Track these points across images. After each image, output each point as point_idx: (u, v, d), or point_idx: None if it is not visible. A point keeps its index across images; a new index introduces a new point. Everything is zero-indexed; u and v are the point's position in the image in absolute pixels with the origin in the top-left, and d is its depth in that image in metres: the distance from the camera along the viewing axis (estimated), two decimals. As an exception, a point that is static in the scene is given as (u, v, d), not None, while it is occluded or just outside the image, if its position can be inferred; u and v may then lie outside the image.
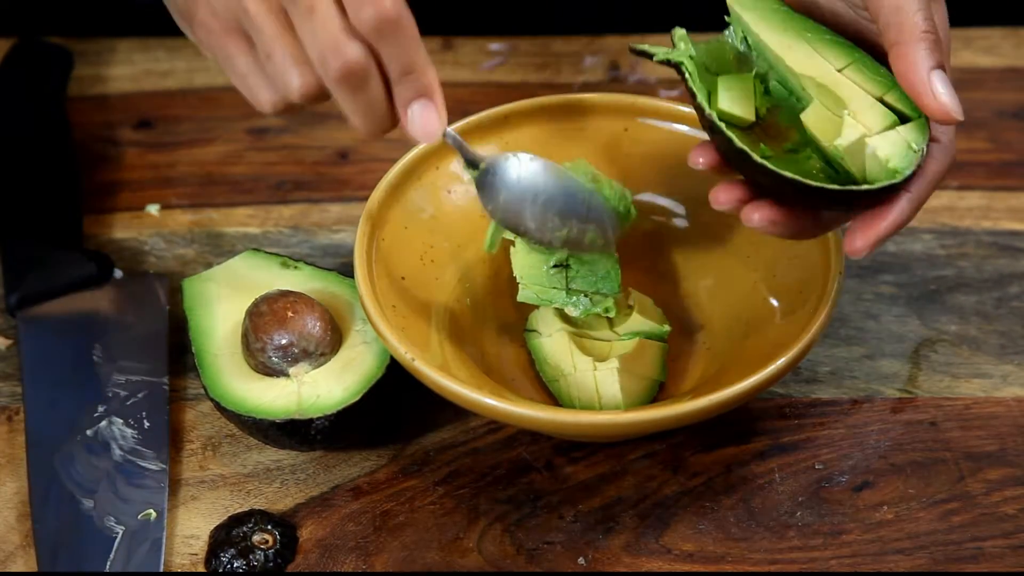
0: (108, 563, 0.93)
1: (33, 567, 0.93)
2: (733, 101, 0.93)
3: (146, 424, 0.99)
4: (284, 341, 0.97)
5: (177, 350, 1.03)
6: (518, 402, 0.93)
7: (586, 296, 1.00)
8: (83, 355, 1.02)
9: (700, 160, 0.91)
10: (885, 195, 0.88)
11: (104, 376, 1.01)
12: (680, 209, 1.05)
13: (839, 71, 0.91)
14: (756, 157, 0.88)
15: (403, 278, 1.00)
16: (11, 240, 1.08)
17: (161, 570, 0.93)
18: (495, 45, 1.25)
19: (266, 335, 0.97)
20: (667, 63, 0.93)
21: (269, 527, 0.94)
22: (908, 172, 0.87)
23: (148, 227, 1.12)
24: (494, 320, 1.03)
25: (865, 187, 0.87)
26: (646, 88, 1.21)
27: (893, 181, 0.87)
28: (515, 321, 1.03)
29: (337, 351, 0.98)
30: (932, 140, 0.89)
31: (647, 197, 1.05)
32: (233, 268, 1.03)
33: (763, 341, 0.97)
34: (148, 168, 1.16)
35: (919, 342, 1.04)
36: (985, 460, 0.98)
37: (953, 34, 1.24)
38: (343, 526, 0.95)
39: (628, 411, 0.94)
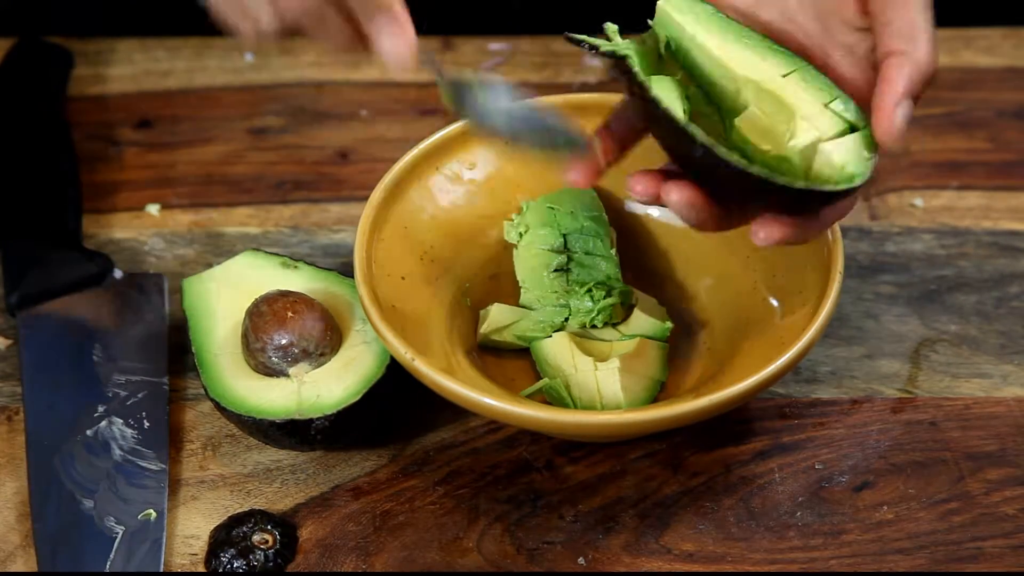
0: (108, 563, 0.93)
1: (33, 567, 0.93)
2: (669, 101, 0.91)
3: (146, 424, 0.99)
4: (284, 341, 0.97)
5: (177, 350, 1.03)
6: (518, 402, 0.93)
7: (588, 291, 1.00)
8: (83, 355, 1.02)
9: (639, 188, 0.91)
10: (840, 198, 0.88)
11: (104, 376, 1.01)
12: (680, 209, 1.05)
13: (783, 76, 0.91)
14: (723, 151, 0.87)
15: (403, 278, 1.00)
16: (11, 240, 1.08)
17: (161, 570, 0.93)
18: (495, 45, 1.25)
19: (266, 335, 0.97)
20: (611, 55, 0.92)
21: (269, 527, 0.94)
22: (864, 178, 0.87)
23: (148, 227, 1.12)
24: (494, 320, 1.03)
25: (830, 188, 0.87)
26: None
27: (852, 185, 0.87)
28: (515, 321, 1.03)
29: (337, 351, 0.98)
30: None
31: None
32: (233, 268, 1.03)
33: (763, 341, 0.97)
34: (148, 168, 1.16)
35: (919, 342, 1.04)
36: (985, 460, 0.98)
37: (953, 34, 1.24)
38: (343, 526, 0.95)
39: (628, 411, 0.94)
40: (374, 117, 1.19)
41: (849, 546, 0.94)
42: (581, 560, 0.93)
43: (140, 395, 1.01)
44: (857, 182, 0.87)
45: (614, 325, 1.02)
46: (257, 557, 0.93)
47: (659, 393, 0.99)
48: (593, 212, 1.03)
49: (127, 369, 1.02)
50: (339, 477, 0.97)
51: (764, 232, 0.88)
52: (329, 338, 0.98)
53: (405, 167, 1.02)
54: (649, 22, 0.94)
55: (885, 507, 0.96)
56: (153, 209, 1.13)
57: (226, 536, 0.94)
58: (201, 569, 0.93)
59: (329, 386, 0.96)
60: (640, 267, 1.05)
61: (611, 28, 0.94)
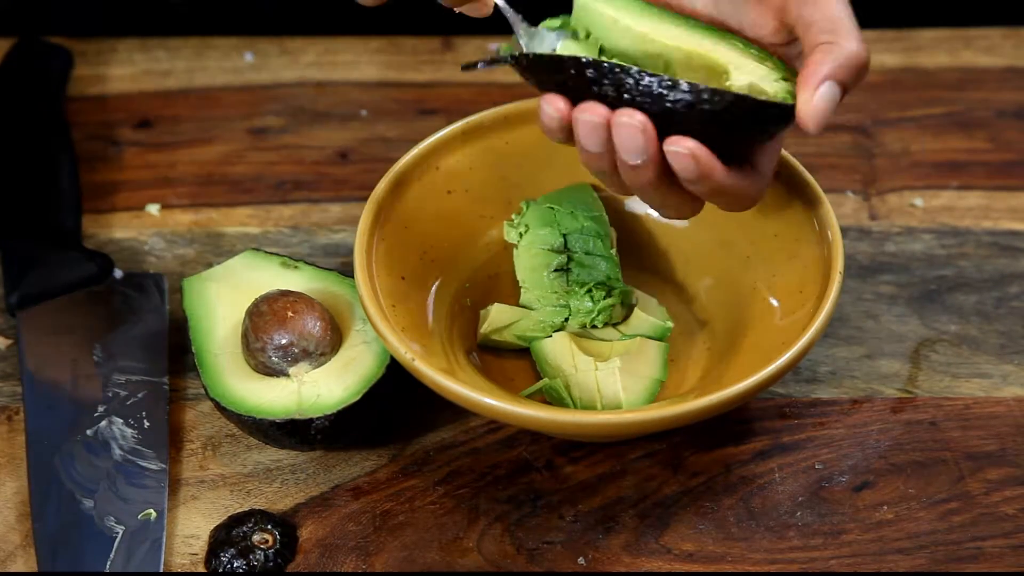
0: (108, 563, 0.93)
1: (33, 567, 0.93)
2: (569, 50, 0.91)
3: (146, 424, 0.99)
4: (284, 341, 0.97)
5: (177, 350, 1.03)
6: (518, 402, 0.93)
7: (588, 292, 1.00)
8: (83, 355, 1.02)
9: (554, 107, 0.89)
10: (773, 111, 0.87)
11: (104, 376, 1.01)
12: (680, 209, 1.05)
13: (713, 44, 0.91)
14: (644, 70, 0.86)
15: (403, 278, 1.00)
16: (11, 240, 1.08)
17: (161, 570, 0.93)
18: (495, 45, 1.25)
19: (266, 335, 0.97)
20: (503, 61, 0.92)
21: (269, 527, 0.94)
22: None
23: (148, 227, 1.12)
24: (494, 320, 1.03)
25: (777, 100, 0.87)
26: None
27: (786, 101, 0.87)
28: (515, 321, 1.03)
29: (337, 351, 0.98)
30: (755, 165, 0.90)
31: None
32: (233, 268, 1.03)
33: (763, 341, 0.97)
34: (148, 168, 1.16)
35: (919, 342, 1.04)
36: (985, 460, 0.98)
37: (953, 34, 1.24)
38: (343, 526, 0.95)
39: (628, 411, 0.94)
40: (374, 117, 1.19)
41: (849, 546, 0.94)
42: (581, 560, 0.93)
43: (140, 395, 1.01)
44: (791, 101, 0.87)
45: (614, 325, 1.02)
46: (257, 557, 0.93)
47: (659, 393, 0.99)
48: (593, 212, 1.03)
49: (127, 369, 1.02)
50: (339, 477, 0.97)
51: (684, 144, 0.86)
52: (329, 338, 0.98)
53: (405, 167, 1.02)
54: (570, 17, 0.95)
55: (885, 507, 0.96)
56: (153, 209, 1.13)
57: (226, 536, 0.94)
58: (201, 569, 0.93)
59: (329, 386, 0.96)
60: (640, 267, 1.05)
61: (503, 46, 0.95)
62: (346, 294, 1.01)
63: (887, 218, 1.11)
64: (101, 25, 1.27)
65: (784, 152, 0.99)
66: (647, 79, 0.86)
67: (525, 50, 0.94)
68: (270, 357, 0.97)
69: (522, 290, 1.02)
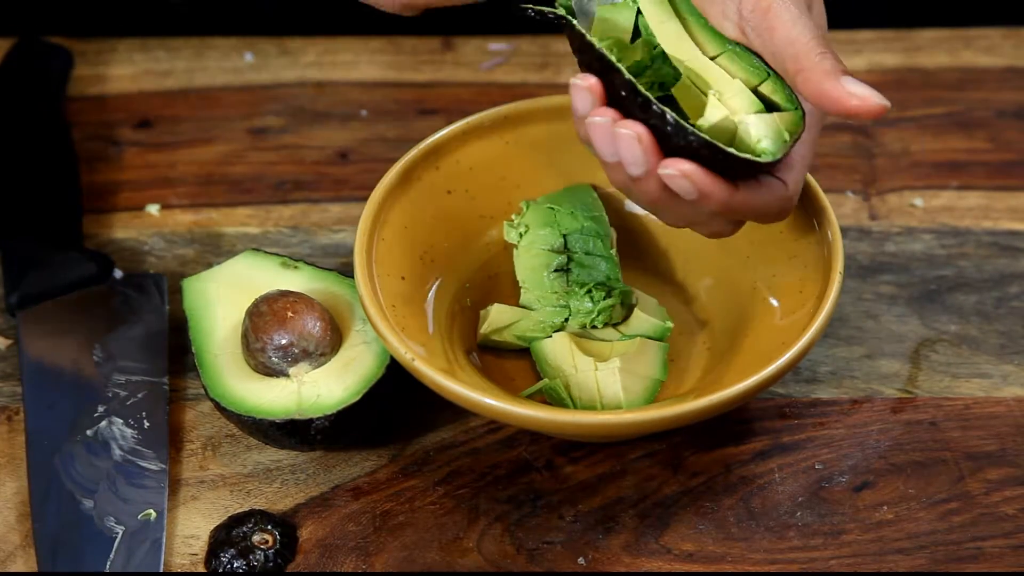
0: (108, 563, 0.93)
1: (33, 567, 0.93)
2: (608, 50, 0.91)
3: (146, 424, 0.99)
4: (284, 341, 0.97)
5: (177, 350, 1.03)
6: (518, 402, 0.93)
7: (588, 292, 1.00)
8: (83, 355, 1.02)
9: (629, 129, 0.89)
10: (742, 166, 0.88)
11: (104, 376, 1.01)
12: (680, 209, 1.05)
13: (712, 58, 0.91)
14: (641, 88, 0.88)
15: (403, 278, 1.00)
16: (11, 240, 1.08)
17: (161, 570, 0.93)
18: (495, 45, 1.25)
19: (266, 335, 0.97)
20: (554, 18, 0.93)
21: (269, 527, 0.94)
22: (774, 157, 0.87)
23: (148, 227, 1.12)
24: (494, 320, 1.03)
25: (730, 149, 0.87)
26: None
27: (756, 158, 0.87)
28: (515, 321, 1.03)
29: (337, 351, 0.98)
30: (777, 177, 0.90)
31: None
32: (233, 268, 1.03)
33: (763, 341, 0.97)
34: (148, 168, 1.16)
35: (919, 342, 1.04)
36: (985, 460, 0.98)
37: (953, 34, 1.24)
38: (343, 526, 0.95)
39: (628, 411, 0.94)
40: (374, 117, 1.19)
41: (849, 546, 0.94)
42: (581, 560, 0.93)
43: (140, 395, 1.01)
44: (764, 158, 0.87)
45: (614, 325, 1.02)
46: (257, 557, 0.93)
47: (659, 393, 0.99)
48: (593, 212, 1.03)
49: (127, 369, 1.02)
50: (339, 477, 0.97)
51: (676, 166, 0.87)
52: (329, 338, 0.98)
53: (405, 167, 1.02)
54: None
55: (885, 507, 0.96)
56: (153, 209, 1.13)
57: (226, 536, 0.94)
58: (201, 569, 0.93)
59: (329, 386, 0.96)
60: (640, 267, 1.05)
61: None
62: (346, 294, 1.01)
63: (887, 218, 1.11)
64: (101, 25, 1.27)
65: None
66: (654, 107, 0.88)
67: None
68: (270, 357, 0.97)
69: (522, 290, 1.02)
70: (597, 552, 0.94)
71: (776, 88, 0.90)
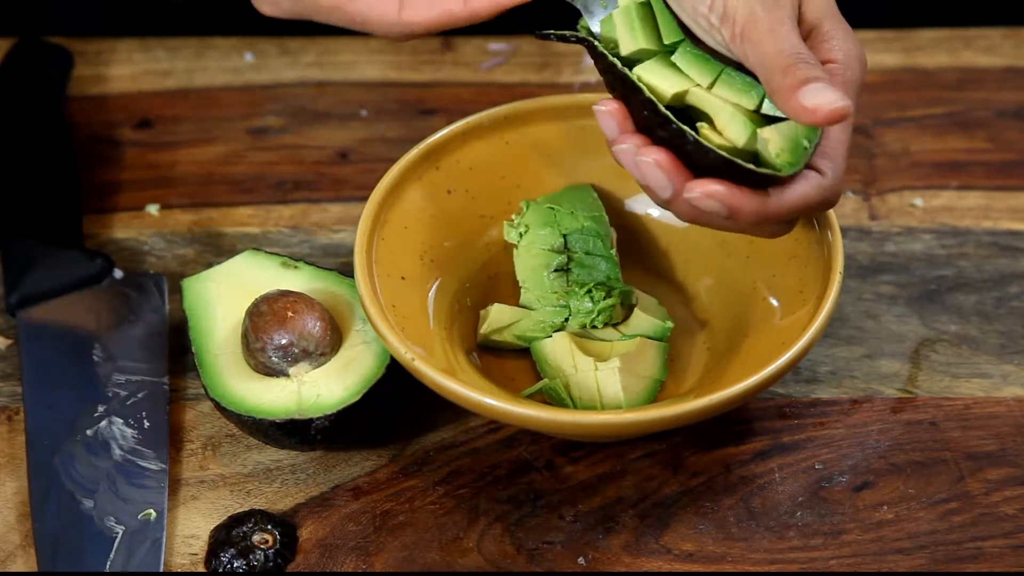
0: (108, 563, 0.93)
1: (33, 567, 0.93)
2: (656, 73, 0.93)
3: (146, 424, 0.99)
4: (284, 341, 0.97)
5: (177, 350, 1.03)
6: (518, 402, 0.93)
7: (588, 292, 1.00)
8: (83, 355, 1.02)
9: (651, 157, 0.90)
10: (767, 182, 0.89)
11: (104, 376, 1.01)
12: (680, 209, 1.05)
13: (707, 88, 0.92)
14: (669, 115, 0.89)
15: (403, 278, 1.00)
16: (11, 240, 1.08)
17: (161, 570, 0.93)
18: (495, 45, 1.25)
19: (266, 335, 0.97)
20: (578, 40, 0.94)
21: (269, 527, 0.94)
22: (795, 168, 0.88)
23: (148, 227, 1.12)
24: (494, 320, 1.03)
25: (759, 170, 0.88)
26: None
27: (775, 173, 0.88)
28: (515, 321, 1.03)
29: (337, 351, 0.98)
30: (813, 168, 0.90)
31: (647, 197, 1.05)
32: (233, 268, 1.03)
33: (763, 341, 0.97)
34: (148, 168, 1.16)
35: (919, 342, 1.04)
36: (985, 460, 0.98)
37: (953, 34, 1.24)
38: (343, 526, 0.95)
39: (628, 411, 0.94)
40: (374, 117, 1.19)
41: (849, 546, 0.94)
42: (581, 560, 0.93)
43: (140, 395, 1.01)
44: (784, 171, 0.88)
45: (614, 325, 1.02)
46: (257, 557, 0.93)
47: (659, 393, 0.99)
48: (593, 212, 1.03)
49: (127, 369, 1.02)
50: (339, 477, 0.97)
51: (700, 188, 0.88)
52: (329, 338, 0.98)
53: (405, 167, 1.02)
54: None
55: (885, 507, 0.96)
56: (153, 209, 1.13)
57: (226, 536, 0.94)
58: (201, 569, 0.93)
59: (329, 386, 0.96)
60: (640, 267, 1.05)
61: (582, 22, 0.96)
62: (346, 294, 1.01)
63: (887, 218, 1.11)
64: (101, 25, 1.27)
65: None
66: (673, 126, 0.89)
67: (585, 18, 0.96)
68: (270, 357, 0.97)
69: (522, 290, 1.02)
70: (597, 552, 0.94)
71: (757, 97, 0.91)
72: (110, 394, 1.00)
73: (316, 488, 0.97)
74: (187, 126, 1.19)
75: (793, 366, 0.92)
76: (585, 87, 1.21)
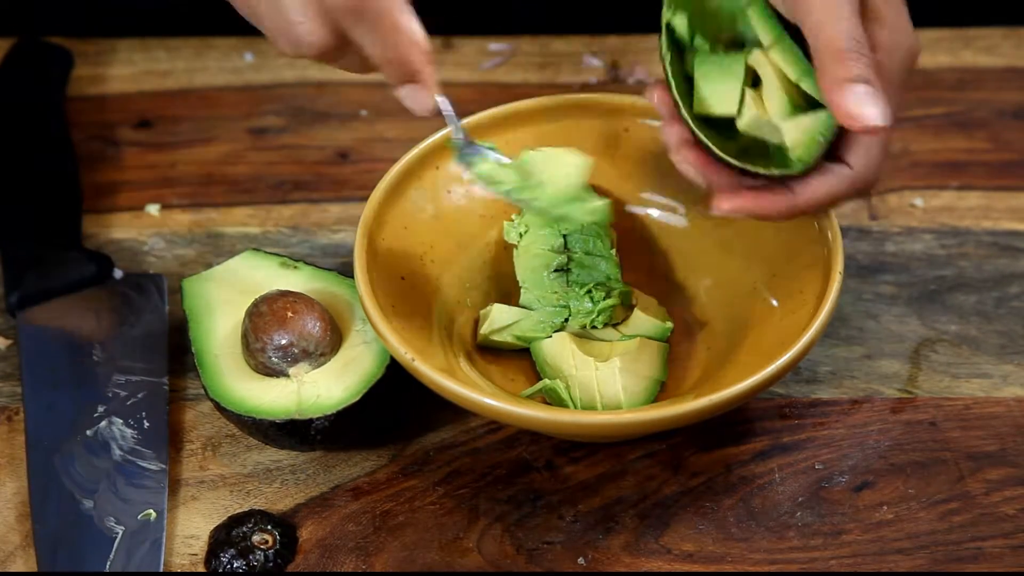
0: (108, 563, 0.93)
1: (33, 567, 0.93)
2: (714, 95, 0.94)
3: (146, 424, 0.99)
4: (284, 341, 0.97)
5: (177, 350, 1.03)
6: (518, 402, 0.93)
7: (588, 292, 1.00)
8: (83, 355, 1.02)
9: (682, 155, 0.95)
10: (783, 182, 0.91)
11: (104, 376, 1.01)
12: (680, 209, 1.05)
13: (767, 48, 0.93)
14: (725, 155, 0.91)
15: (403, 278, 1.00)
16: (11, 240, 1.08)
17: (161, 570, 0.93)
18: (495, 45, 1.25)
19: (266, 335, 0.97)
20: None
21: (269, 527, 0.94)
22: (808, 164, 0.90)
23: (148, 227, 1.12)
24: (494, 320, 1.03)
25: (771, 172, 0.91)
26: (646, 88, 1.21)
27: (787, 172, 0.90)
28: (515, 321, 1.03)
29: (337, 351, 0.98)
30: (840, 161, 0.90)
31: (647, 196, 1.05)
32: (233, 268, 1.03)
33: (763, 341, 0.97)
34: (148, 168, 1.16)
35: (919, 342, 1.04)
36: (985, 460, 0.98)
37: (953, 34, 1.24)
38: (343, 526, 0.95)
39: (628, 411, 0.94)
40: (374, 117, 1.19)
41: (849, 546, 0.94)
42: (581, 560, 0.93)
43: (140, 395, 1.01)
44: (795, 168, 0.90)
45: (614, 325, 1.02)
46: (257, 557, 0.93)
47: (659, 393, 0.99)
48: (593, 212, 1.03)
49: (127, 369, 1.02)
50: (339, 477, 0.97)
51: (727, 205, 0.92)
52: (329, 338, 0.98)
53: (405, 167, 1.02)
54: None
55: (885, 507, 0.96)
56: (153, 209, 1.13)
57: (226, 536, 0.94)
58: (201, 569, 0.93)
59: (329, 386, 0.96)
60: (640, 267, 1.05)
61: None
62: (346, 294, 1.01)
63: (887, 218, 1.11)
64: (101, 25, 1.27)
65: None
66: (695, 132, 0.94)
67: (459, 156, 0.97)
68: (270, 357, 0.97)
69: (522, 290, 1.02)
70: (597, 552, 0.94)
71: (811, 85, 0.92)
72: (110, 394, 1.00)
73: (316, 488, 0.97)
74: (187, 126, 1.19)
75: (793, 366, 0.92)
76: (585, 87, 1.21)
